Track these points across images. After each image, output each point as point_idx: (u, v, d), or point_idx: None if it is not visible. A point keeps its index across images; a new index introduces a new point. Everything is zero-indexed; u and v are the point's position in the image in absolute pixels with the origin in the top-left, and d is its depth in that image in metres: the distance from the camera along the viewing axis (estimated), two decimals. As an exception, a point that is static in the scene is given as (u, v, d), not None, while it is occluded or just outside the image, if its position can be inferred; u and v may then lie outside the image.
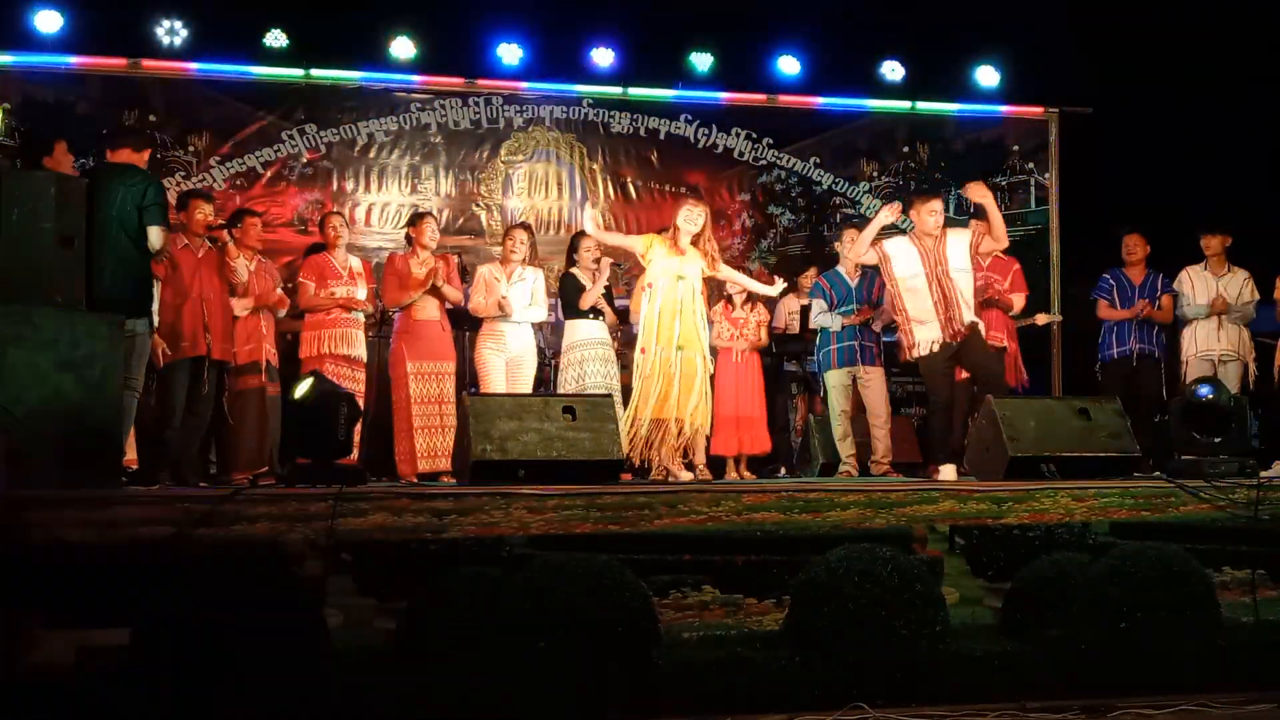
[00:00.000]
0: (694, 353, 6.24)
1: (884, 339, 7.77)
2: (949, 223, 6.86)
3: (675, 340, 6.20)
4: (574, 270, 7.56)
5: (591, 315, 7.39)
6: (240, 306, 6.92)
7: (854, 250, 6.94)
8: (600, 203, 10.12)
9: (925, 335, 6.53)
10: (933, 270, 6.51)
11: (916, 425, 8.83)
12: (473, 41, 9.90)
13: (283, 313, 7.41)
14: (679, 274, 6.31)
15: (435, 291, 7.32)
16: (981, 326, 6.71)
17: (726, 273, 6.96)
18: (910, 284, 6.56)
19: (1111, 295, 7.98)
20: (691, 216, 6.41)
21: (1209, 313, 7.78)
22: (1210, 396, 5.66)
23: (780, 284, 7.15)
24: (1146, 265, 7.99)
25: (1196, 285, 7.91)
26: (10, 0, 9.09)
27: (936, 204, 6.68)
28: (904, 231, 7.02)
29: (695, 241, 6.43)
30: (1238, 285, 7.86)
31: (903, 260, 6.60)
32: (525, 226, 7.85)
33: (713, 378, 6.73)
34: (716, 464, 7.73)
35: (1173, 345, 8.06)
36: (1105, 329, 8.03)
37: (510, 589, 3.89)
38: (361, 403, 7.36)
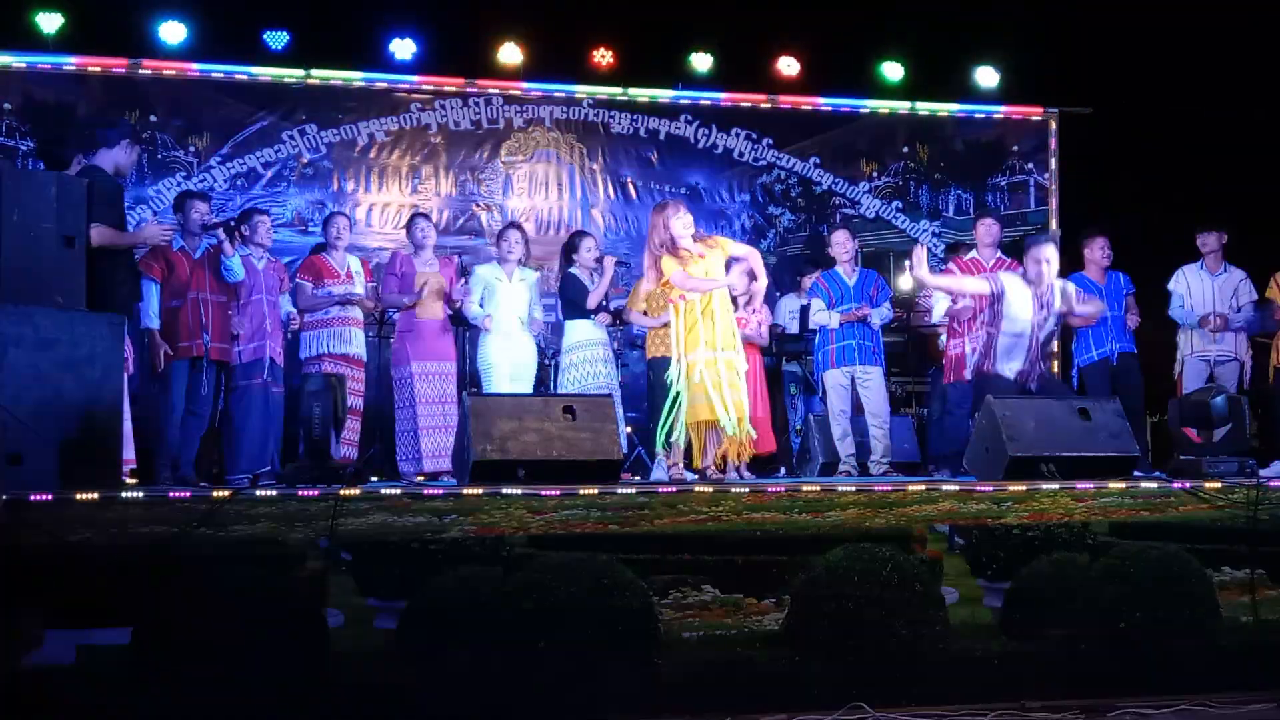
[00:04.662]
0: (730, 354, 6.06)
1: (883, 339, 7.77)
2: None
3: (713, 344, 6.00)
4: (574, 270, 7.55)
5: (594, 315, 7.37)
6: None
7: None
8: (600, 203, 10.12)
9: (1008, 363, 6.32)
10: (1037, 319, 6.31)
11: (916, 425, 8.82)
12: (473, 41, 9.90)
13: (294, 327, 7.37)
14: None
15: (445, 296, 7.33)
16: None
17: (732, 279, 6.50)
18: (1014, 324, 6.33)
19: None
20: (685, 222, 6.07)
21: (1199, 323, 7.69)
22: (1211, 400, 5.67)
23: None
24: (1108, 267, 7.73)
25: (1192, 284, 7.83)
26: (11, 0, 9.10)
27: (1048, 251, 6.33)
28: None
29: (700, 240, 6.11)
30: (1234, 284, 7.78)
31: (1017, 300, 6.34)
32: (518, 226, 7.79)
33: None
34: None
35: (1160, 342, 7.99)
36: (1079, 332, 7.78)
37: (510, 589, 3.89)
38: (361, 402, 7.39)
